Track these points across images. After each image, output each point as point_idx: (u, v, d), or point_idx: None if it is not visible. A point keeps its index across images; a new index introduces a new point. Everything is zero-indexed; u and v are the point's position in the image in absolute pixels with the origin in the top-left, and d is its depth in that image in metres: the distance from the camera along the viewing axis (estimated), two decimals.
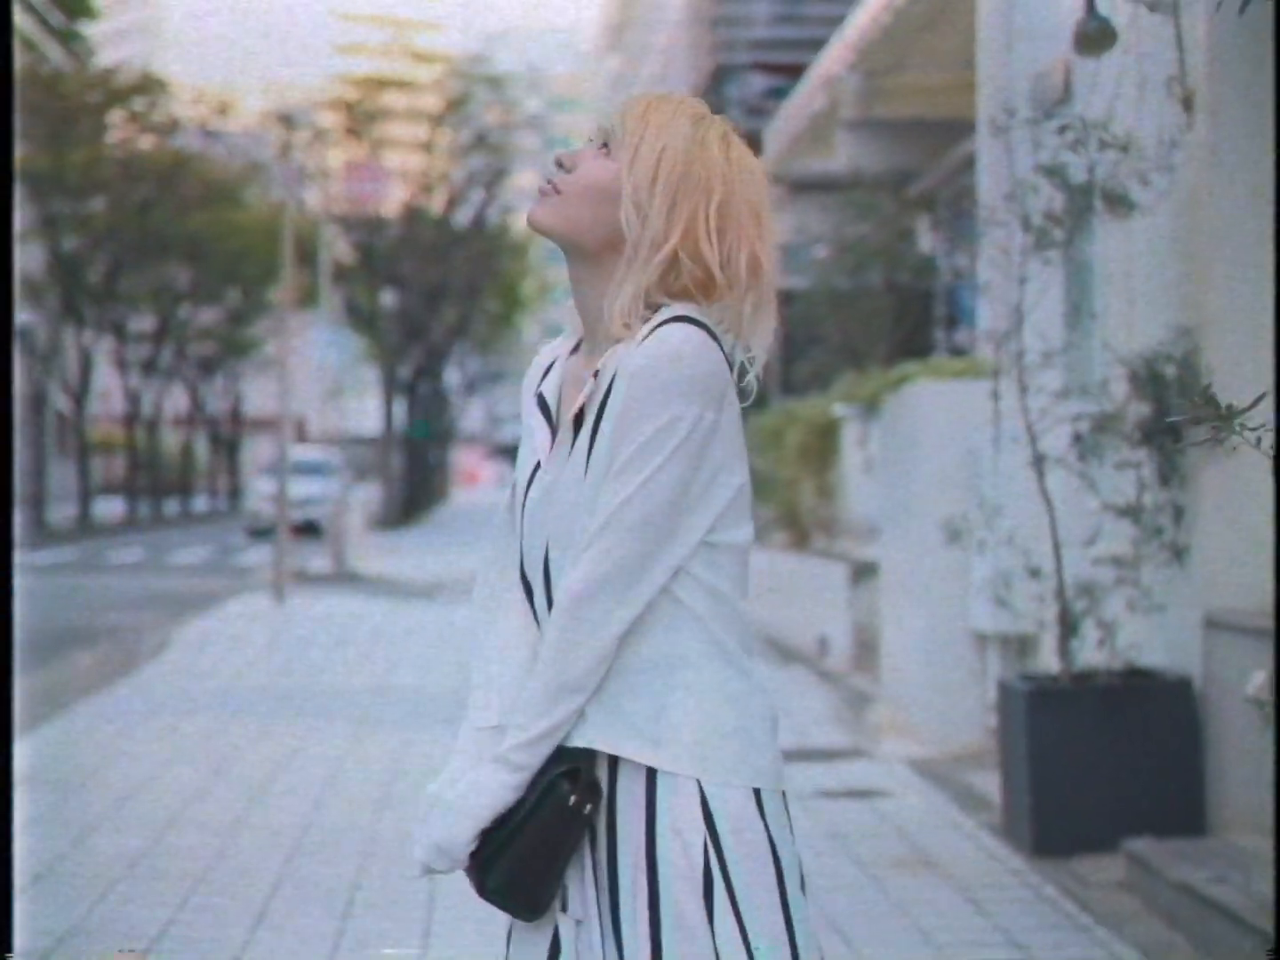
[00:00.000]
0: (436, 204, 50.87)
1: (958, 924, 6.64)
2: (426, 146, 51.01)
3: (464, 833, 2.68)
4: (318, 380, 48.71)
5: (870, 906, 6.91)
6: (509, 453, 77.96)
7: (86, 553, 34.55)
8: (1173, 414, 5.95)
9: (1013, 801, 8.02)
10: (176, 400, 58.80)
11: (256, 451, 66.72)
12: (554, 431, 2.77)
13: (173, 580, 27.01)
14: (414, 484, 53.80)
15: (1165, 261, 7.95)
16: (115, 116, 44.73)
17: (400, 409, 52.54)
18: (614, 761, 2.69)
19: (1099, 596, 7.94)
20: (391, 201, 51.19)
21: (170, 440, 62.06)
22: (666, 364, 2.64)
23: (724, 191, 2.72)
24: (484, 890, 2.71)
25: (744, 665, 2.71)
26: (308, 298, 41.95)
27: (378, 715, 12.00)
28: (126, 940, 6.40)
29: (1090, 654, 7.94)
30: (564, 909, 2.71)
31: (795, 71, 23.66)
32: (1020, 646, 9.99)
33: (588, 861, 2.70)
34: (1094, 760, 7.63)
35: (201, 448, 66.60)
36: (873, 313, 18.32)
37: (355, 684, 13.83)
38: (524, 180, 60.20)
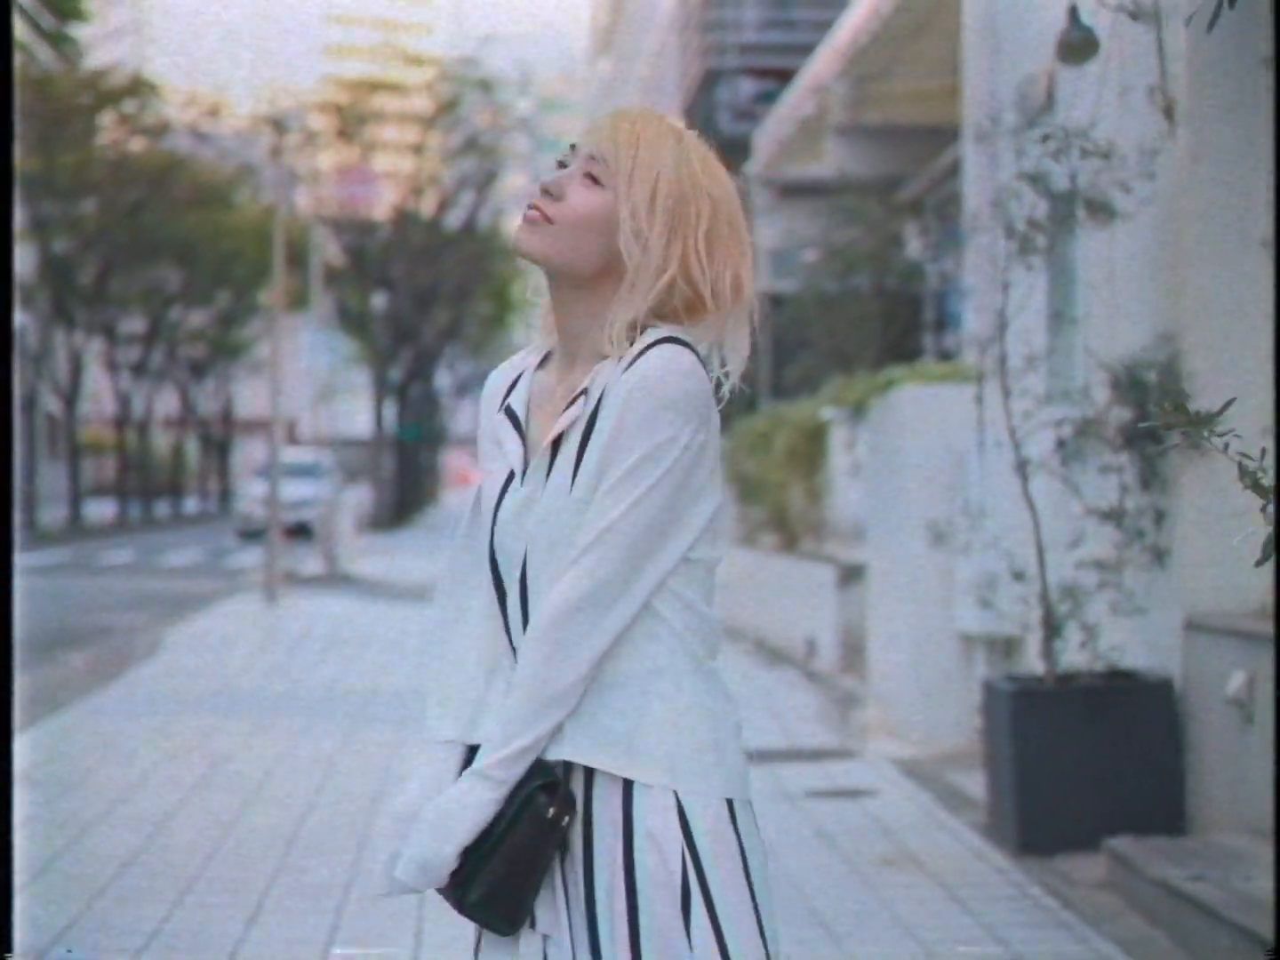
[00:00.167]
0: (427, 206, 50.92)
1: (943, 921, 6.72)
2: (417, 149, 51.05)
3: (448, 850, 2.67)
4: (309, 382, 48.71)
5: (857, 904, 6.98)
6: None
7: (77, 554, 34.57)
8: (1153, 419, 6.03)
9: (997, 801, 8.10)
10: (167, 402, 58.77)
11: (247, 453, 66.72)
12: (525, 443, 2.78)
13: (164, 582, 27.05)
14: (405, 486, 53.85)
15: (1146, 268, 8.04)
16: (106, 119, 44.74)
17: (391, 411, 52.60)
18: (589, 773, 2.70)
19: (1082, 599, 8.02)
20: (382, 204, 51.26)
21: (161, 442, 62.05)
22: (660, 384, 2.66)
23: (711, 214, 2.75)
24: (463, 905, 2.70)
25: (715, 675, 2.74)
26: (298, 300, 41.97)
27: (370, 715, 12.08)
28: (123, 937, 6.48)
29: (1073, 655, 8.02)
30: (532, 925, 2.72)
31: (785, 76, 23.76)
32: (1005, 648, 10.08)
33: (557, 876, 2.71)
34: (1077, 760, 7.71)
35: (192, 450, 66.58)
36: (861, 317, 18.41)
37: (347, 684, 13.91)
38: (515, 183, 60.30)
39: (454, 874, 2.69)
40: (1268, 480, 3.16)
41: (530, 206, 2.77)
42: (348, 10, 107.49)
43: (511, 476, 2.78)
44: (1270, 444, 6.99)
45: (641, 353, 2.70)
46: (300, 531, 36.58)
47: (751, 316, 2.79)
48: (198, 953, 6.32)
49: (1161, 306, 7.87)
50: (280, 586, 22.81)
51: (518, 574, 2.75)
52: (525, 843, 2.66)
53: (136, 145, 45.23)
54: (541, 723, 2.67)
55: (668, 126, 2.79)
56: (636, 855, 2.66)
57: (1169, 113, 7.61)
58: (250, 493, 41.76)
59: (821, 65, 15.28)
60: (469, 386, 68.17)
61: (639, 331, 2.73)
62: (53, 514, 45.30)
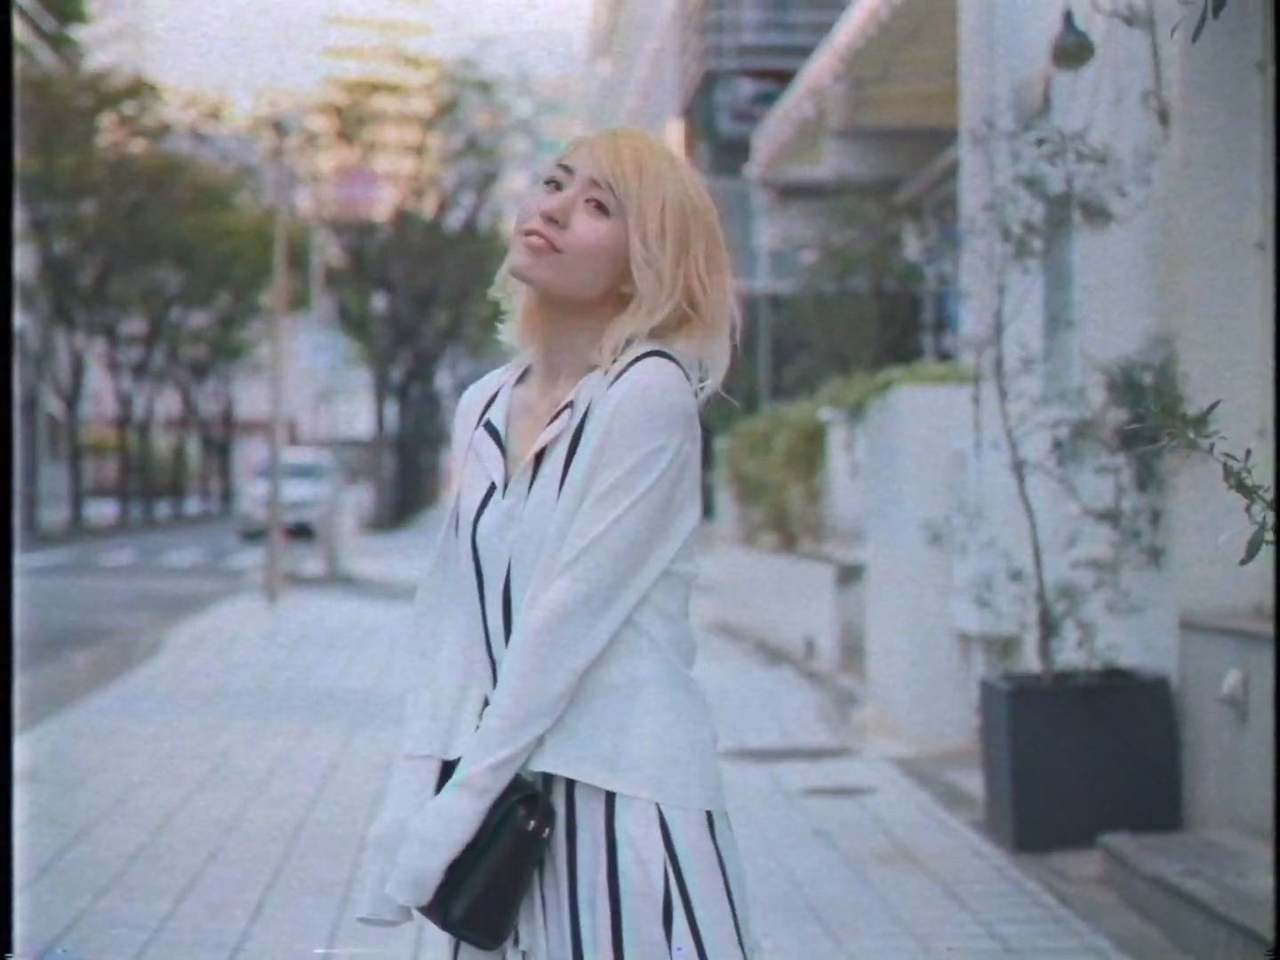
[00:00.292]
0: (427, 208, 50.96)
1: (940, 917, 6.77)
2: (417, 150, 51.08)
3: (435, 863, 2.68)
4: (309, 383, 48.73)
5: (855, 900, 7.03)
6: None
7: (79, 555, 34.61)
8: (1147, 420, 6.09)
9: (995, 798, 8.16)
10: (168, 403, 58.81)
11: (248, 454, 66.73)
12: (505, 456, 2.80)
13: (166, 582, 27.09)
14: (405, 487, 53.90)
15: (1142, 271, 8.10)
16: (106, 120, 44.73)
17: (392, 412, 52.65)
18: (570, 785, 2.71)
19: (1078, 598, 8.07)
20: (382, 205, 51.28)
21: (162, 443, 62.06)
22: (648, 397, 2.69)
23: (706, 234, 2.78)
24: (447, 922, 2.71)
25: (695, 687, 2.77)
26: (299, 301, 42.00)
27: (370, 715, 12.13)
28: (126, 933, 6.53)
29: (1070, 654, 8.08)
30: (515, 941, 2.74)
31: (784, 78, 23.82)
32: (1003, 647, 10.14)
33: (536, 890, 2.72)
34: (1073, 758, 7.76)
35: (193, 450, 66.62)
36: (859, 318, 18.47)
37: (348, 684, 13.96)
38: (515, 184, 60.31)
39: (437, 890, 2.69)
40: (1252, 480, 3.23)
41: (532, 233, 2.76)
42: (347, 12, 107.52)
43: (492, 490, 2.79)
44: (1261, 445, 7.07)
45: (628, 366, 2.72)
46: (301, 532, 36.63)
47: (733, 330, 2.81)
48: (201, 949, 6.35)
49: (1156, 309, 7.93)
50: (281, 587, 22.86)
51: (500, 586, 2.76)
52: (506, 857, 2.68)
53: (137, 147, 45.23)
54: (527, 732, 2.68)
55: (661, 149, 2.81)
56: (620, 866, 2.67)
57: (1163, 117, 7.67)
58: (251, 493, 41.80)
59: (820, 68, 15.33)
60: (469, 387, 68.11)
61: (625, 344, 2.75)
62: (54, 515, 45.34)
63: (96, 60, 53.35)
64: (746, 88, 32.90)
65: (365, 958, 6.31)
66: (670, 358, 2.74)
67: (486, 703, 2.78)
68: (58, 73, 42.72)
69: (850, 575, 13.30)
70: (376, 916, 2.82)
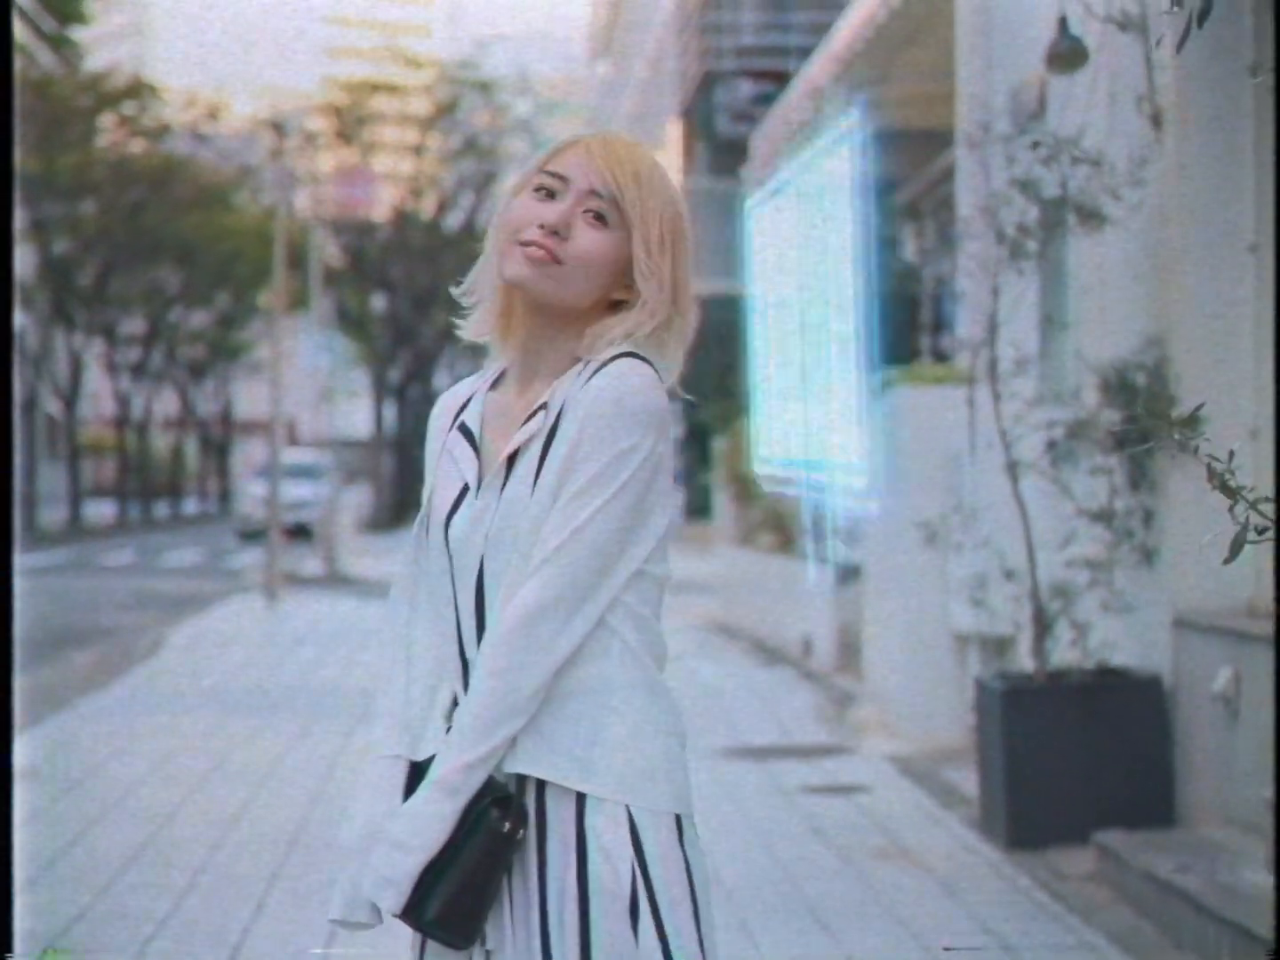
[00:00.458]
0: (426, 208, 51.02)
1: (935, 913, 6.83)
2: (416, 150, 51.15)
3: (411, 863, 2.67)
4: (308, 383, 48.74)
5: (851, 896, 7.09)
6: None
7: (78, 555, 34.65)
8: (1137, 421, 6.17)
9: (989, 796, 8.21)
10: (167, 403, 58.84)
11: (246, 454, 66.75)
12: (479, 458, 2.80)
13: (165, 582, 27.14)
14: (404, 487, 53.95)
15: (1136, 273, 8.15)
16: (106, 120, 44.79)
17: (390, 412, 52.71)
18: (541, 786, 2.72)
19: (1072, 597, 8.13)
20: (382, 205, 51.34)
21: (160, 443, 62.11)
22: (623, 396, 2.70)
23: (686, 237, 2.82)
24: (421, 922, 2.70)
25: (666, 689, 2.77)
26: (298, 301, 42.06)
27: (369, 713, 12.17)
28: (129, 929, 6.58)
29: (1064, 653, 8.13)
30: (482, 942, 2.74)
31: (783, 79, 23.86)
32: (998, 646, 10.19)
33: (504, 891, 2.72)
34: (1067, 756, 7.82)
35: (192, 451, 66.66)
36: None
37: (347, 683, 14.01)
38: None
39: (412, 891, 2.69)
40: (1235, 481, 3.29)
41: (532, 244, 2.76)
42: (347, 12, 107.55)
43: (465, 490, 2.79)
44: (1251, 446, 7.13)
45: (602, 367, 2.73)
46: (300, 532, 36.67)
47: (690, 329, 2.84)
48: (203, 945, 6.40)
49: (1150, 311, 7.99)
50: (280, 587, 22.92)
51: (473, 586, 2.76)
52: (480, 858, 2.68)
53: (136, 147, 45.28)
54: (500, 731, 2.68)
55: (646, 152, 2.83)
56: (590, 866, 2.68)
57: (1157, 121, 7.73)
58: (250, 493, 41.82)
59: (817, 70, 15.38)
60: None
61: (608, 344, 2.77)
62: (53, 515, 45.38)
63: (96, 60, 53.42)
64: (745, 88, 32.95)
65: (364, 957, 6.37)
66: (645, 360, 2.76)
67: (456, 703, 2.78)
68: (58, 73, 42.76)
69: (847, 575, 13.35)
70: (348, 919, 2.81)
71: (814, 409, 12.07)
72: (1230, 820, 7.26)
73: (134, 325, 49.24)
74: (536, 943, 2.70)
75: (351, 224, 49.72)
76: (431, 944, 2.78)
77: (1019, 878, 7.37)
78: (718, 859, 7.63)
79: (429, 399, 59.77)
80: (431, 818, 2.67)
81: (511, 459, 2.76)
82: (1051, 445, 8.21)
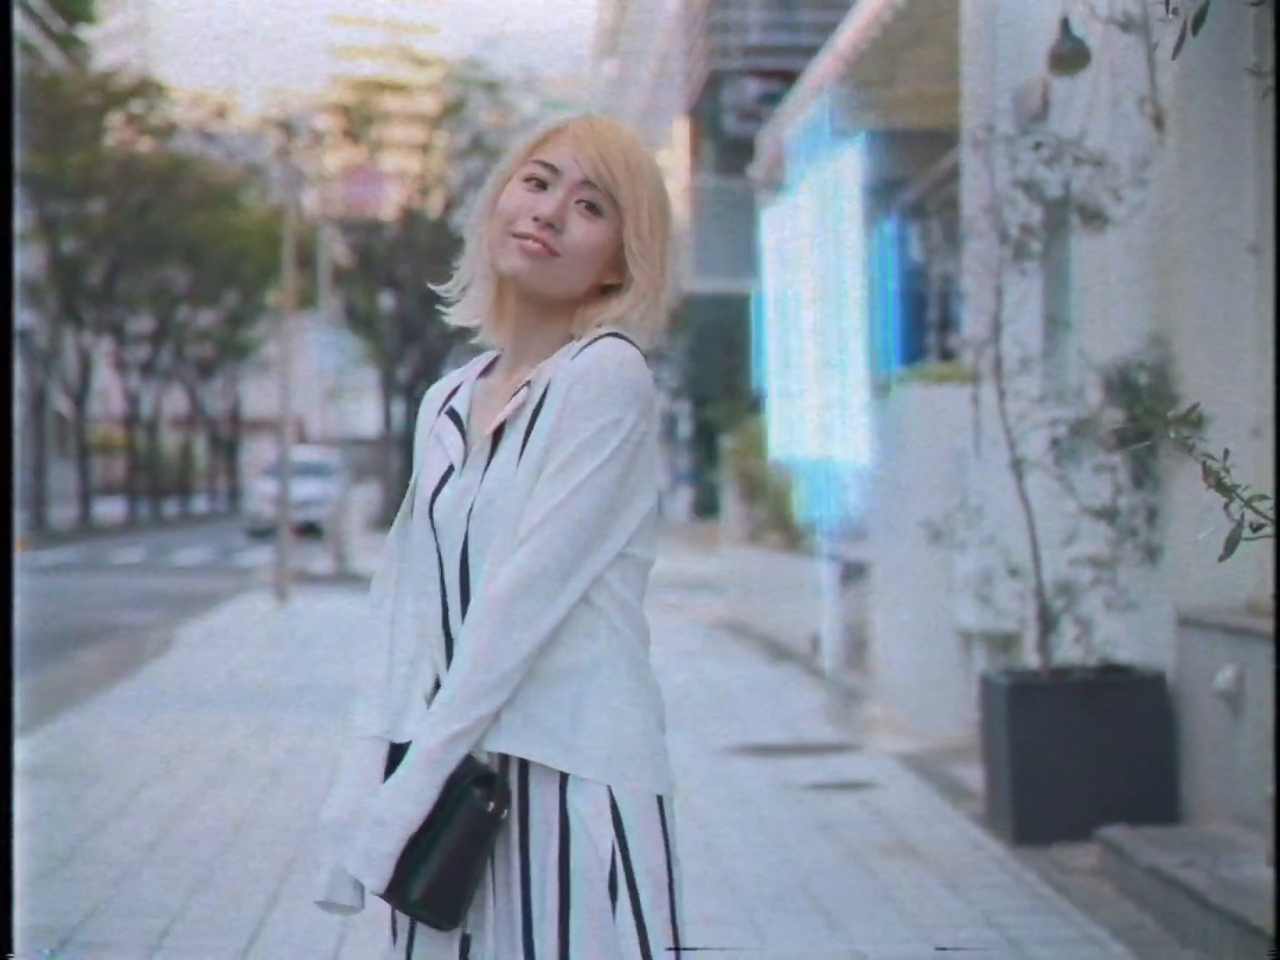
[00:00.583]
0: (434, 206, 51.02)
1: (941, 908, 6.86)
2: (424, 149, 51.16)
3: (393, 843, 2.68)
4: (317, 382, 48.82)
5: (858, 892, 7.13)
6: None
7: (87, 553, 34.71)
8: (1138, 421, 6.23)
9: (995, 792, 8.25)
10: (176, 401, 58.93)
11: (255, 453, 66.86)
12: (465, 439, 2.82)
13: (175, 581, 27.20)
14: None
15: (1138, 273, 8.20)
16: (114, 119, 44.84)
17: (399, 411, 52.74)
18: (524, 766, 2.73)
19: (1076, 595, 8.17)
20: (389, 204, 51.36)
21: (169, 441, 62.19)
22: (607, 371, 2.71)
23: (671, 219, 2.86)
24: (406, 904, 2.71)
25: (648, 671, 2.78)
26: (306, 300, 42.13)
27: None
28: (142, 924, 6.62)
29: (1068, 650, 8.18)
30: (464, 926, 2.75)
31: (789, 78, 23.91)
32: (1003, 643, 10.24)
33: (487, 871, 2.73)
34: (1072, 752, 7.85)
35: (200, 449, 66.73)
36: None
37: None
38: None
39: (396, 871, 2.69)
40: (1231, 479, 3.34)
41: (527, 236, 2.77)
42: (354, 11, 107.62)
43: (450, 471, 2.81)
44: (1252, 444, 7.18)
45: (586, 345, 2.75)
46: (309, 530, 36.73)
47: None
48: (215, 941, 6.43)
49: (1152, 310, 8.03)
50: (290, 584, 22.97)
51: (457, 562, 2.77)
52: (464, 837, 2.68)
53: (144, 146, 45.33)
54: (483, 705, 2.68)
55: (633, 136, 2.84)
56: (572, 845, 2.70)
57: (1159, 122, 7.78)
58: (260, 492, 41.89)
59: (823, 70, 15.43)
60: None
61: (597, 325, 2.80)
62: (62, 513, 45.46)
63: (104, 60, 53.51)
64: (752, 88, 32.97)
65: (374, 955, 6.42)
66: (629, 341, 2.78)
67: (438, 684, 2.79)
68: (66, 72, 42.82)
69: (854, 573, 13.40)
70: (332, 900, 2.83)
71: (821, 406, 12.13)
72: (1233, 816, 7.31)
73: (142, 324, 49.32)
74: (519, 923, 2.72)
75: (359, 222, 49.73)
76: (420, 930, 2.79)
77: (1024, 873, 7.41)
78: (725, 855, 7.69)
79: None
80: (413, 792, 2.68)
81: (497, 435, 2.77)
82: (1055, 443, 8.26)
